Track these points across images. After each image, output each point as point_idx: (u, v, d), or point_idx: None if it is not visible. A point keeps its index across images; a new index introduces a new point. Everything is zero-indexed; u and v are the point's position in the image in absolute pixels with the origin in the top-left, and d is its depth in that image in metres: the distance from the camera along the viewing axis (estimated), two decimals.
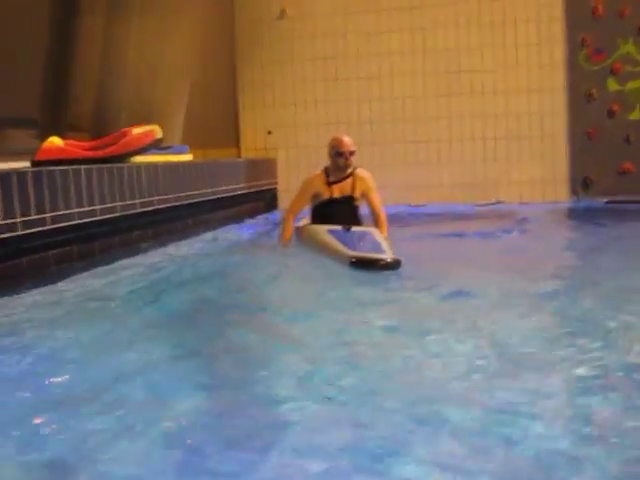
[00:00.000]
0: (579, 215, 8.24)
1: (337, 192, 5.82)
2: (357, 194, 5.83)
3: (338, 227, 5.44)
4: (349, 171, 5.83)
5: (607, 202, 8.64)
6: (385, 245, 5.09)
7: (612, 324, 3.21)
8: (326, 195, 5.83)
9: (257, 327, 3.54)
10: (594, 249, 5.64)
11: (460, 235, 6.55)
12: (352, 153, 5.75)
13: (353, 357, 2.94)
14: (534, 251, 5.68)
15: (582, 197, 8.89)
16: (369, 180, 5.90)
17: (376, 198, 5.91)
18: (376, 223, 5.87)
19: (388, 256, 4.78)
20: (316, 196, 5.91)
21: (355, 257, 4.80)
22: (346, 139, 5.78)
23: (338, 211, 5.76)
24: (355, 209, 5.88)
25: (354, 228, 5.48)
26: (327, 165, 5.91)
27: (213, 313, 3.85)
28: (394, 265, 4.69)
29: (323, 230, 5.51)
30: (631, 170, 8.73)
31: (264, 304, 4.09)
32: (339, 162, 5.75)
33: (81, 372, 2.82)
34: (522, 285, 4.19)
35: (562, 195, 8.99)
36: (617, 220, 7.39)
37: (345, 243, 5.11)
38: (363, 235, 5.40)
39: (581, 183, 8.91)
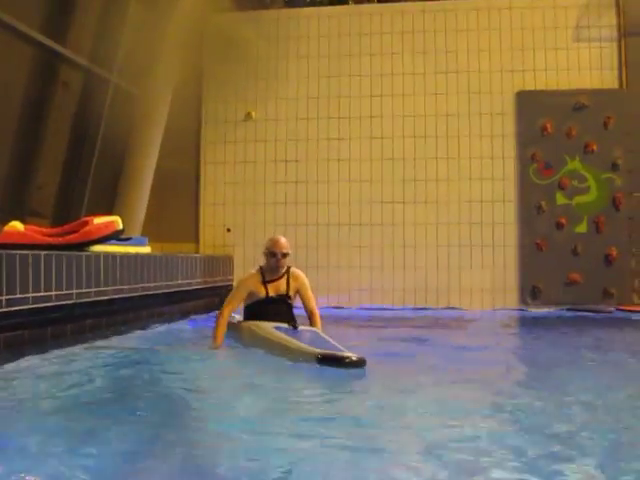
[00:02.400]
0: (529, 323, 8.41)
1: (272, 291, 5.85)
2: (292, 292, 5.88)
3: (284, 325, 5.44)
4: (283, 270, 5.89)
5: (569, 309, 8.91)
6: (337, 344, 5.05)
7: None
8: (262, 294, 5.84)
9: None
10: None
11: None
12: (284, 255, 5.82)
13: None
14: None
15: (531, 305, 9.11)
16: (303, 279, 5.95)
17: (310, 296, 5.94)
18: (310, 321, 5.89)
19: (353, 354, 4.72)
20: (251, 295, 5.90)
21: (322, 354, 4.73)
22: (282, 241, 5.88)
23: (273, 310, 5.78)
24: (290, 307, 5.88)
25: (301, 327, 5.49)
26: (262, 265, 5.96)
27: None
28: (360, 363, 4.66)
29: (269, 327, 5.47)
30: (578, 280, 9.01)
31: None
32: (271, 262, 5.83)
33: None
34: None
35: (512, 302, 9.21)
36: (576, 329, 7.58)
37: (302, 341, 5.07)
38: (311, 334, 5.40)
39: (530, 292, 9.15)
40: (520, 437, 3.12)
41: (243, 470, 2.67)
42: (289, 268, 5.95)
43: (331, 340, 5.19)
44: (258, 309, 5.85)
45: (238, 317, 6.18)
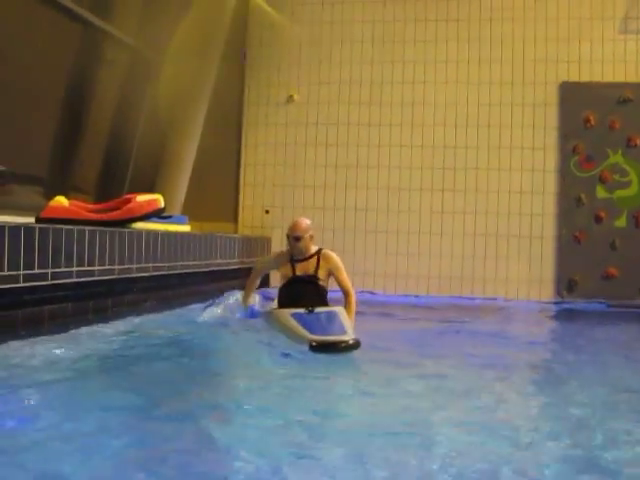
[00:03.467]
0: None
1: (300, 270, 5.91)
2: (321, 273, 5.88)
3: (301, 310, 5.42)
4: (314, 250, 5.95)
5: (610, 305, 8.86)
6: (348, 325, 5.13)
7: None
8: (289, 273, 5.93)
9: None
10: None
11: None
12: (297, 239, 5.84)
13: None
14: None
15: (566, 298, 9.08)
16: (335, 260, 5.94)
17: (344, 277, 5.92)
18: (345, 302, 5.88)
19: (348, 337, 4.78)
20: (282, 274, 6.06)
21: (315, 341, 4.78)
22: (299, 224, 5.92)
23: (302, 291, 5.78)
24: (319, 288, 5.87)
25: (318, 309, 5.44)
26: None
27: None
28: (354, 346, 4.71)
29: (286, 313, 5.49)
30: (615, 275, 8.95)
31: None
32: (292, 245, 5.90)
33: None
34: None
35: (547, 295, 9.18)
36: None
37: (306, 326, 5.08)
38: (326, 316, 5.36)
39: (566, 284, 9.11)
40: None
41: None
42: (320, 250, 5.97)
43: (344, 321, 5.22)
44: (287, 289, 5.93)
45: (273, 304, 6.24)
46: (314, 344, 4.75)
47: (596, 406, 3.59)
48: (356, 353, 4.74)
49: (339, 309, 5.57)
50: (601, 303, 8.90)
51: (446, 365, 4.63)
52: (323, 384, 4.06)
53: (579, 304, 8.93)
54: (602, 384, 4.20)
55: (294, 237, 5.86)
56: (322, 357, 4.66)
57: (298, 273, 5.91)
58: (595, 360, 5.17)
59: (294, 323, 5.21)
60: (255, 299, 6.55)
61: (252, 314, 6.22)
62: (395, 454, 2.72)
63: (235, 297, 6.47)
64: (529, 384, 4.38)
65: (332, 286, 6.02)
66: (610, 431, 3.11)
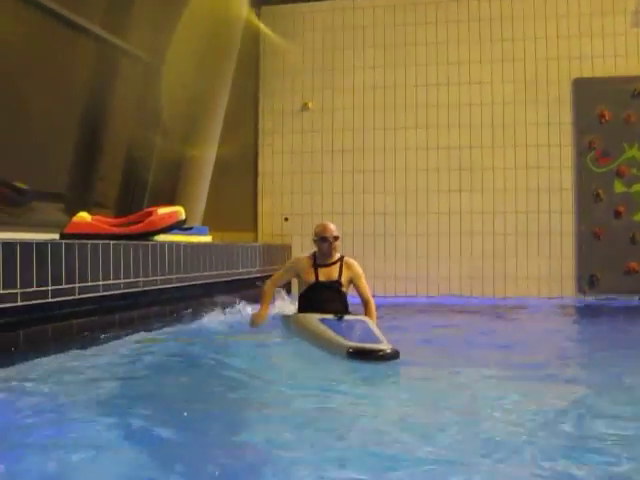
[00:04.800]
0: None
1: (323, 276, 5.87)
2: (343, 280, 5.87)
3: (329, 316, 5.36)
4: (337, 257, 5.95)
5: None
6: (380, 334, 5.00)
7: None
8: (311, 278, 5.87)
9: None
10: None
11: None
12: (336, 238, 5.90)
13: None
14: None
15: (588, 294, 9.07)
16: (356, 268, 5.96)
17: (365, 285, 5.94)
18: (365, 310, 5.88)
19: (386, 346, 4.62)
20: (302, 280, 5.98)
21: (352, 347, 4.63)
22: (330, 225, 5.95)
23: (325, 297, 5.77)
24: (342, 295, 5.87)
25: (346, 317, 5.40)
26: (315, 251, 6.04)
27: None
28: (393, 356, 4.54)
29: (314, 319, 5.40)
30: (636, 269, 8.93)
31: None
32: (323, 247, 5.89)
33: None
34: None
35: (568, 291, 9.18)
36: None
37: (339, 332, 4.97)
38: (356, 324, 5.30)
39: (587, 281, 9.10)
40: None
41: None
42: (342, 257, 5.97)
43: (375, 330, 5.13)
44: (310, 295, 5.87)
45: (293, 308, 6.24)
46: (351, 350, 4.61)
47: None
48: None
49: (367, 318, 5.55)
50: (631, 299, 8.87)
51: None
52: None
53: (610, 301, 8.90)
54: None
55: (333, 237, 5.87)
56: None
57: (321, 279, 5.88)
58: None
59: (325, 329, 5.12)
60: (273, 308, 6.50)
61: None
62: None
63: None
64: None
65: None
66: None
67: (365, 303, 5.92)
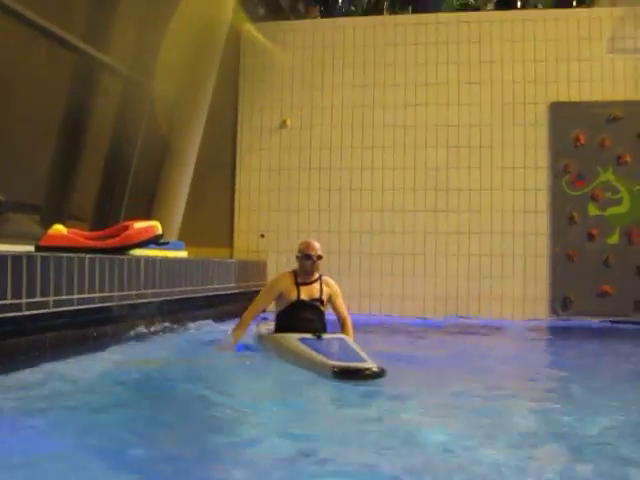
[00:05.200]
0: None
1: (305, 294, 5.74)
2: (325, 298, 5.80)
3: (308, 335, 5.25)
4: (317, 276, 5.85)
5: (612, 322, 8.93)
6: (362, 352, 4.91)
7: None
8: (293, 296, 5.72)
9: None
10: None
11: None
12: (319, 257, 5.81)
13: None
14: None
15: (561, 316, 9.14)
16: (335, 286, 5.92)
17: (342, 304, 5.92)
18: (342, 329, 5.84)
19: (372, 364, 4.53)
20: (282, 299, 5.79)
21: (337, 367, 4.52)
22: (315, 243, 5.85)
23: (306, 315, 5.65)
24: (322, 314, 5.77)
25: (325, 335, 5.33)
26: (295, 268, 5.90)
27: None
28: (379, 374, 4.46)
29: (294, 338, 5.26)
30: (609, 292, 9.02)
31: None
32: (306, 265, 5.79)
33: None
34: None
35: (542, 313, 9.24)
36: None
37: (321, 352, 4.85)
38: (337, 343, 5.24)
39: (561, 302, 9.17)
40: None
41: None
42: (321, 276, 5.90)
43: (357, 348, 5.06)
44: (290, 314, 5.70)
45: (269, 327, 6.07)
46: (336, 370, 4.49)
47: None
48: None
49: (345, 336, 5.52)
50: (603, 321, 8.95)
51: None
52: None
53: (575, 321, 9.00)
54: None
55: (317, 256, 5.78)
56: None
57: (303, 297, 5.75)
58: None
59: (306, 349, 5.00)
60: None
61: (239, 348, 5.82)
62: None
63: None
64: None
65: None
66: None
67: (342, 321, 5.89)
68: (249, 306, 5.94)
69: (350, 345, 5.19)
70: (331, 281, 5.96)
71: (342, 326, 5.89)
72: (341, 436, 3.29)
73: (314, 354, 4.87)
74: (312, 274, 5.84)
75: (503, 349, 7.00)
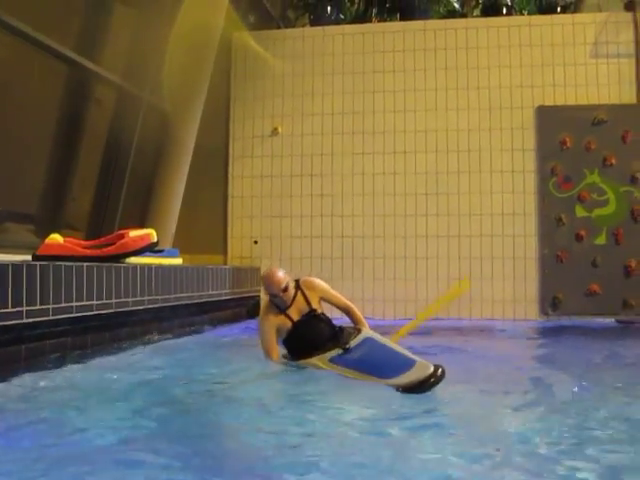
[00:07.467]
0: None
1: (295, 314, 5.30)
2: (315, 304, 5.36)
3: (333, 352, 4.83)
4: (292, 291, 5.35)
5: (617, 321, 9.13)
6: (401, 349, 4.62)
7: None
8: (288, 324, 5.27)
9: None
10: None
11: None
12: (285, 290, 5.25)
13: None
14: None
15: (551, 316, 9.28)
16: (318, 284, 5.49)
17: (336, 295, 5.50)
18: (351, 318, 5.51)
19: (430, 368, 4.20)
20: (280, 330, 5.30)
21: (400, 386, 4.21)
22: (275, 277, 5.30)
23: (311, 331, 5.21)
24: (322, 319, 5.32)
25: (350, 341, 4.88)
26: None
27: None
28: (442, 376, 4.19)
29: (321, 363, 4.85)
30: (597, 292, 9.17)
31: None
32: (276, 301, 5.32)
33: None
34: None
35: (532, 313, 9.39)
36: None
37: (364, 370, 4.53)
38: (368, 348, 4.80)
39: (550, 303, 9.32)
40: None
41: None
42: (298, 281, 5.47)
43: (393, 346, 4.74)
44: (296, 338, 5.26)
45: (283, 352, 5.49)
46: (400, 390, 4.20)
47: None
48: None
49: (368, 333, 5.05)
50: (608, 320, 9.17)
51: None
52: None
53: (565, 321, 9.16)
54: None
55: (282, 290, 5.26)
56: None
57: (296, 318, 5.28)
58: None
59: (345, 370, 4.65)
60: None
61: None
62: None
63: None
64: None
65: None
66: None
67: (347, 310, 5.54)
68: (266, 351, 5.33)
69: (379, 343, 4.84)
70: (311, 281, 5.54)
71: (349, 315, 5.54)
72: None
73: (358, 375, 4.57)
74: (289, 300, 5.35)
75: (496, 349, 7.08)
